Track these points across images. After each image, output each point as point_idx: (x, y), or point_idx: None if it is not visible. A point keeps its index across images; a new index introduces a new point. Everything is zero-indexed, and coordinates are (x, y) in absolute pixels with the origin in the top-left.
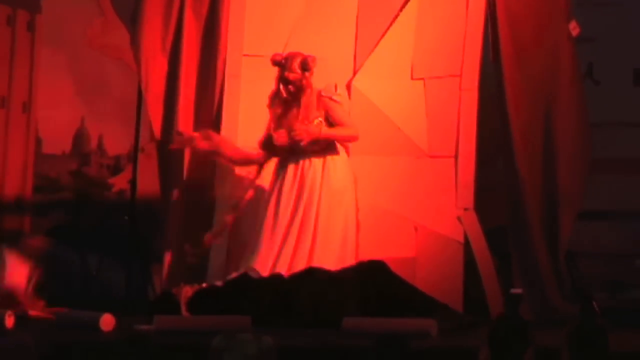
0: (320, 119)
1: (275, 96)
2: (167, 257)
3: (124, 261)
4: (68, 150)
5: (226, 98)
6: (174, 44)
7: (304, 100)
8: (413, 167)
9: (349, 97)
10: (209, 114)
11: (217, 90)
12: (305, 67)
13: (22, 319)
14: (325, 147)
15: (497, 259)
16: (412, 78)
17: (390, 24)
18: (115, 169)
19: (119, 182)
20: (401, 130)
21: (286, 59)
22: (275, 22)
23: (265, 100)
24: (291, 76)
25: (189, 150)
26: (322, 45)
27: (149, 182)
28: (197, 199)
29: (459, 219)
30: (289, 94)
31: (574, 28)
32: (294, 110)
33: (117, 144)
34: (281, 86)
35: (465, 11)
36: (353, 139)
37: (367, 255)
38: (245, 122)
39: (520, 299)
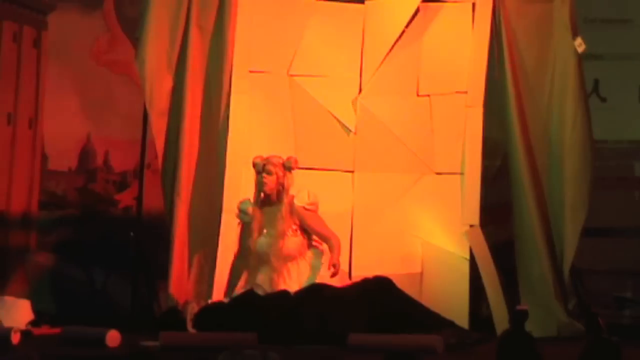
0: (294, 226)
1: (252, 204)
2: (173, 273)
3: (129, 277)
4: (74, 166)
5: (232, 115)
6: (179, 60)
7: (285, 201)
8: (419, 184)
9: (355, 113)
10: (215, 131)
11: (223, 107)
12: (287, 165)
13: (28, 335)
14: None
15: (503, 274)
16: (418, 95)
17: (396, 41)
18: (122, 186)
19: (125, 199)
20: (407, 147)
21: (267, 160)
22: (282, 38)
23: (272, 117)
24: (269, 166)
25: (194, 169)
26: (328, 61)
27: (155, 198)
28: (203, 214)
29: (464, 235)
30: (266, 189)
31: (579, 45)
32: (274, 211)
33: (123, 160)
34: (260, 179)
35: (470, 28)
36: (337, 244)
37: (373, 271)
38: (252, 139)
39: (526, 316)
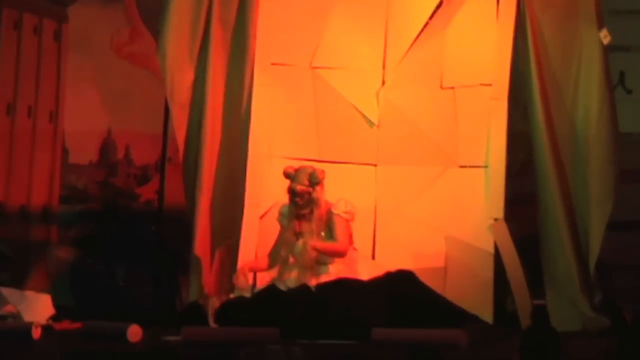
0: (323, 233)
1: (289, 212)
2: (195, 268)
3: (151, 272)
4: (95, 160)
5: (254, 108)
6: (201, 53)
7: (316, 214)
8: (443, 177)
9: (378, 106)
10: (237, 125)
11: (245, 100)
12: (313, 180)
13: (49, 330)
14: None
15: (527, 269)
16: (441, 87)
17: (420, 33)
18: (143, 179)
19: (146, 192)
20: (431, 140)
21: (297, 171)
22: (304, 30)
23: (294, 110)
24: (298, 188)
25: (216, 162)
26: (350, 53)
27: (176, 192)
28: (225, 208)
29: (489, 229)
30: (299, 207)
31: (605, 36)
32: (306, 225)
33: (144, 154)
34: (292, 198)
35: (495, 19)
36: (339, 255)
37: (396, 265)
38: (274, 132)
39: (544, 310)
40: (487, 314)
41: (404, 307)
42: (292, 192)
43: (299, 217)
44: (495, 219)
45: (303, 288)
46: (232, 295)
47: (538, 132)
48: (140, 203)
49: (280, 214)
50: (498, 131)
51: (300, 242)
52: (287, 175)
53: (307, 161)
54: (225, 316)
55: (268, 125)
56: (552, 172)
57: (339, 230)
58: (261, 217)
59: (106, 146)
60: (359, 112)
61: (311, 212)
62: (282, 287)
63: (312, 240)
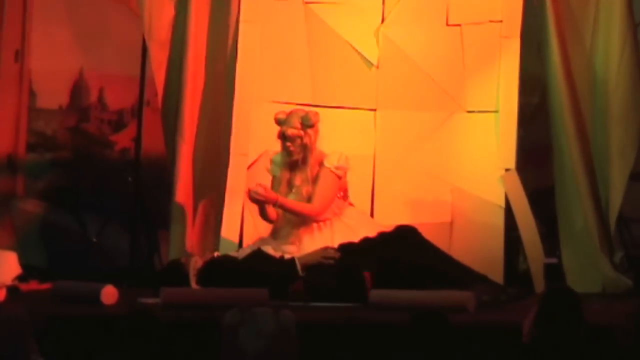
0: None
1: (281, 160)
2: (176, 223)
3: (128, 227)
4: (65, 104)
5: (241, 47)
6: None
7: (310, 161)
8: (449, 123)
9: (377, 45)
10: (222, 65)
11: (231, 38)
12: (306, 122)
13: (14, 291)
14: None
15: (542, 224)
16: (447, 24)
17: None
18: (118, 125)
19: (122, 140)
20: (435, 82)
21: (288, 115)
22: None
23: (285, 49)
24: (289, 131)
25: (199, 106)
26: None
27: (155, 139)
28: (208, 157)
29: (499, 180)
30: (291, 154)
31: None
32: (300, 176)
33: (119, 97)
34: (284, 144)
35: None
36: (308, 219)
37: (397, 220)
38: (263, 73)
39: (557, 269)
40: (497, 274)
41: (405, 267)
42: (283, 137)
43: (292, 166)
44: (507, 169)
45: (290, 261)
46: (216, 254)
47: (553, 75)
48: (115, 151)
49: (272, 162)
50: (509, 73)
51: (292, 194)
52: (278, 120)
53: (300, 106)
54: (208, 276)
55: (256, 66)
56: (568, 118)
57: (320, 188)
58: (249, 167)
59: (78, 89)
60: (357, 51)
61: (305, 159)
62: (272, 246)
63: (280, 198)
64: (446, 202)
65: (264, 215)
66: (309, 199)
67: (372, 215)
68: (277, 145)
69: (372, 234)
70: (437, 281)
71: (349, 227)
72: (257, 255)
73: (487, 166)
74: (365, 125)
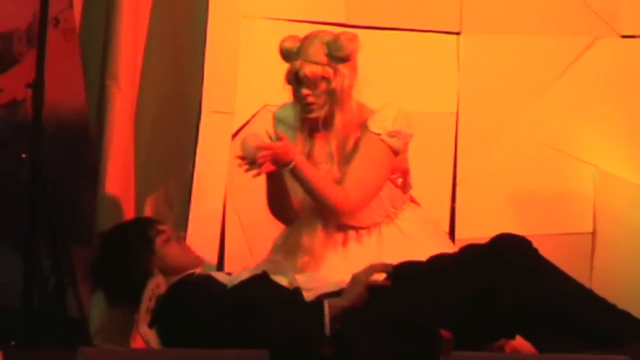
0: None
1: (294, 118)
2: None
3: (19, 242)
4: None
5: None
6: None
7: (339, 123)
8: (587, 56)
9: None
10: None
11: None
12: (336, 51)
13: None
14: None
15: None
16: None
17: None
18: (3, 61)
19: (11, 86)
20: None
21: (303, 40)
22: None
23: None
24: (307, 69)
25: (146, 26)
26: None
27: (67, 84)
28: (163, 116)
29: None
30: (308, 109)
31: None
32: (324, 143)
33: (6, 14)
34: (297, 92)
35: None
36: (335, 206)
37: (495, 228)
38: None
39: None
40: None
41: (503, 302)
42: (295, 79)
43: (310, 129)
44: None
45: (316, 305)
46: (189, 271)
47: None
48: None
49: (275, 121)
50: None
51: None
52: (285, 51)
53: (326, 26)
54: (171, 316)
55: None
56: None
57: (359, 164)
58: (235, 134)
59: None
60: None
61: (331, 119)
62: (281, 277)
63: (301, 156)
64: (584, 196)
65: (277, 203)
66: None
67: (452, 218)
68: (282, 97)
69: (444, 248)
70: (559, 329)
71: (407, 236)
72: (259, 284)
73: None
74: (442, 60)
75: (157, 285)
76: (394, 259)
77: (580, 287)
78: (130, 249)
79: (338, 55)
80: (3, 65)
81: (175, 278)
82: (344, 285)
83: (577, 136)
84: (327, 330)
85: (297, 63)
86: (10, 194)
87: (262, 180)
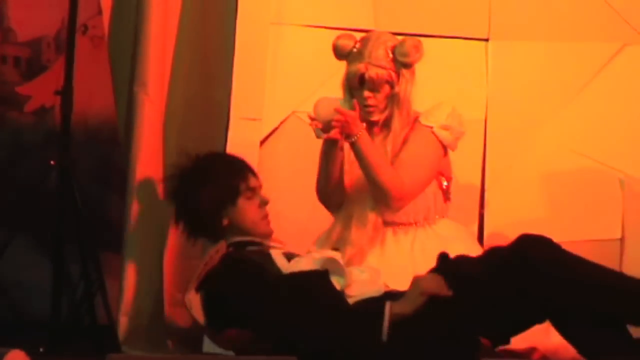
0: None
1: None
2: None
3: (49, 247)
4: None
5: None
6: None
7: (397, 125)
8: (616, 62)
9: None
10: None
11: None
12: (402, 57)
13: None
14: None
15: None
16: None
17: None
18: (32, 69)
19: (39, 93)
20: None
21: (364, 40)
22: None
23: None
24: (373, 72)
25: (175, 34)
26: None
27: (96, 91)
28: (191, 122)
29: None
30: (369, 111)
31: None
32: (381, 146)
33: (35, 20)
34: (359, 94)
35: None
36: (388, 189)
37: (521, 227)
38: None
39: None
40: None
41: (532, 308)
42: (360, 81)
43: (367, 127)
44: None
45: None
46: (255, 239)
47: None
48: (26, 113)
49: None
50: None
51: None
52: (340, 48)
53: (356, 32)
54: (217, 287)
55: None
56: None
57: (412, 153)
58: (262, 141)
59: None
60: None
61: (389, 121)
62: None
63: (365, 131)
64: (612, 203)
65: (329, 185)
66: None
67: (480, 220)
68: (311, 103)
69: (472, 251)
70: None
71: (441, 239)
72: (316, 279)
73: None
74: (470, 66)
75: (217, 251)
76: (426, 261)
77: (608, 273)
78: (213, 194)
79: (403, 61)
80: (32, 73)
81: (238, 238)
82: (385, 289)
83: (606, 143)
84: (385, 337)
85: (362, 65)
86: (39, 200)
87: (293, 188)
